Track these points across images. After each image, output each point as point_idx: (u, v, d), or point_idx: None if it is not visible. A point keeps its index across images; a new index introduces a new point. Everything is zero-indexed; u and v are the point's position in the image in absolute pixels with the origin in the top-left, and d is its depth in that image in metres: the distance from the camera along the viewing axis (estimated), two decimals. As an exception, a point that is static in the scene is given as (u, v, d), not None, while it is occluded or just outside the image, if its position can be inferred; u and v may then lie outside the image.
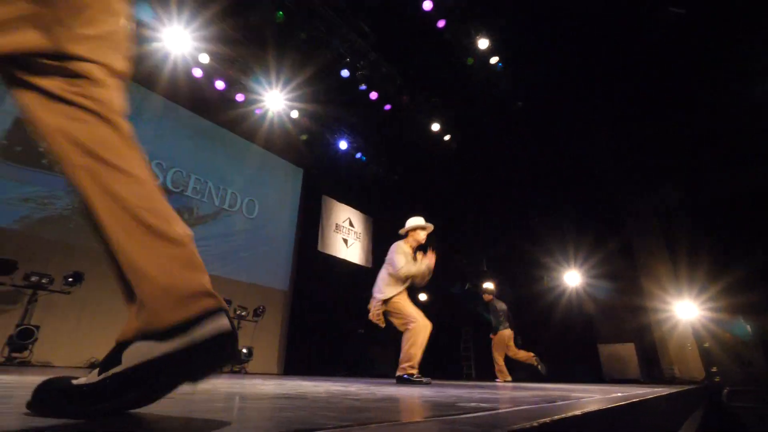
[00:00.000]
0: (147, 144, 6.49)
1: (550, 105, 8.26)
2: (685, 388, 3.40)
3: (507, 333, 5.98)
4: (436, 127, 8.86)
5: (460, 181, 10.34)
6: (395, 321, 3.39)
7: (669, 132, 7.61)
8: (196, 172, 7.10)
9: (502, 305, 6.15)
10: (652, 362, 7.37)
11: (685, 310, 7.22)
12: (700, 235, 7.26)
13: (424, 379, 3.04)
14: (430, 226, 3.73)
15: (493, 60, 7.48)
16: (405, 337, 3.25)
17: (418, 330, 3.21)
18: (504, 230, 10.07)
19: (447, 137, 9.19)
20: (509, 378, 5.91)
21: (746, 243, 6.64)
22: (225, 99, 7.50)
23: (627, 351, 7.47)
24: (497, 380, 5.91)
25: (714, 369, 6.51)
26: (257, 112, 7.85)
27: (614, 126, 8.33)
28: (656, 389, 2.58)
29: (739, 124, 6.78)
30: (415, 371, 3.09)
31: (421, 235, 3.63)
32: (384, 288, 3.48)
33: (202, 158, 7.25)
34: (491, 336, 6.11)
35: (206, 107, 7.38)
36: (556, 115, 8.41)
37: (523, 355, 5.88)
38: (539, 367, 5.78)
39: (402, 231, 3.71)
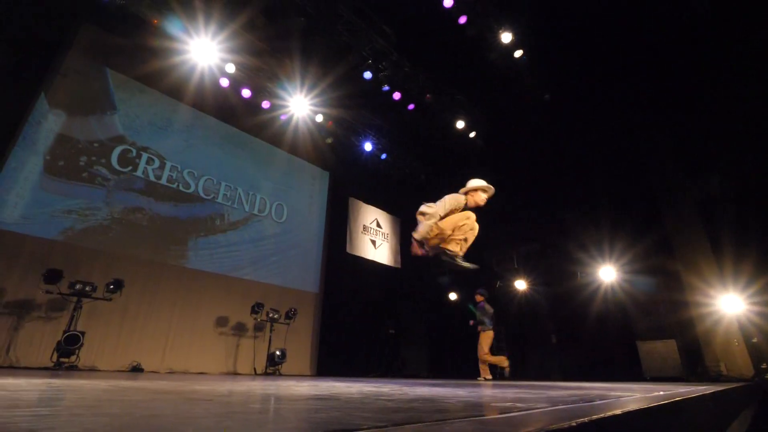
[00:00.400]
0: (178, 154, 6.76)
1: (580, 95, 8.00)
2: (733, 386, 3.21)
3: (492, 334, 6.40)
4: (460, 124, 8.77)
5: (488, 177, 10.18)
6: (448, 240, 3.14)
7: (711, 117, 7.22)
8: (226, 179, 7.32)
9: (491, 308, 6.57)
10: (696, 359, 7.00)
11: (731, 304, 6.82)
12: (745, 225, 6.85)
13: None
14: (492, 189, 3.44)
15: (517, 54, 7.33)
16: None
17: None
18: (536, 226, 9.84)
19: (472, 134, 9.08)
20: (490, 377, 6.22)
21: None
22: (251, 106, 7.70)
23: (668, 348, 7.14)
24: (480, 378, 6.22)
25: (764, 365, 6.12)
26: (283, 117, 8.01)
27: (652, 113, 7.98)
28: (701, 387, 2.46)
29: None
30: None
31: (482, 197, 3.34)
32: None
33: (231, 165, 7.47)
34: (480, 330, 6.40)
35: (233, 115, 7.60)
36: (587, 104, 8.13)
37: (497, 358, 6.28)
38: (506, 370, 6.13)
39: (462, 191, 3.37)
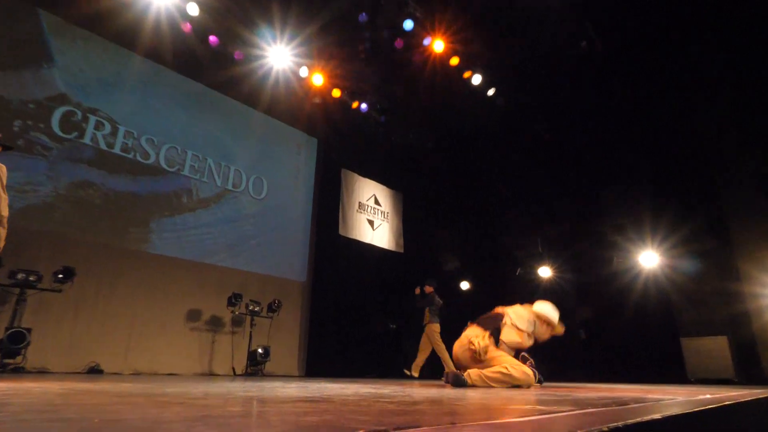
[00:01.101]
0: (134, 117, 6.68)
1: (625, 44, 7.83)
2: (794, 389, 3.29)
3: (438, 327, 6.90)
4: (477, 79, 8.62)
5: (509, 145, 10.11)
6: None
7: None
8: (194, 148, 7.28)
9: (440, 301, 7.06)
10: (751, 359, 7.13)
11: (795, 294, 6.91)
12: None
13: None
14: (559, 330, 3.82)
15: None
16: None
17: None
18: (564, 204, 9.83)
19: (491, 92, 8.94)
20: (416, 375, 6.79)
21: None
22: (221, 58, 7.56)
23: (718, 345, 7.25)
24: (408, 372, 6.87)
25: (832, 366, 6.24)
26: (260, 71, 7.88)
27: (709, 71, 7.84)
28: (756, 391, 2.52)
29: None
30: None
31: (545, 333, 3.71)
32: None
33: (199, 131, 7.41)
34: (428, 324, 6.90)
35: (200, 69, 7.48)
36: (632, 57, 7.97)
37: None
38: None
39: (532, 313, 3.78)
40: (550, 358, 9.55)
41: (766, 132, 7.64)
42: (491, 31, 8.04)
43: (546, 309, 3.76)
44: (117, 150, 6.42)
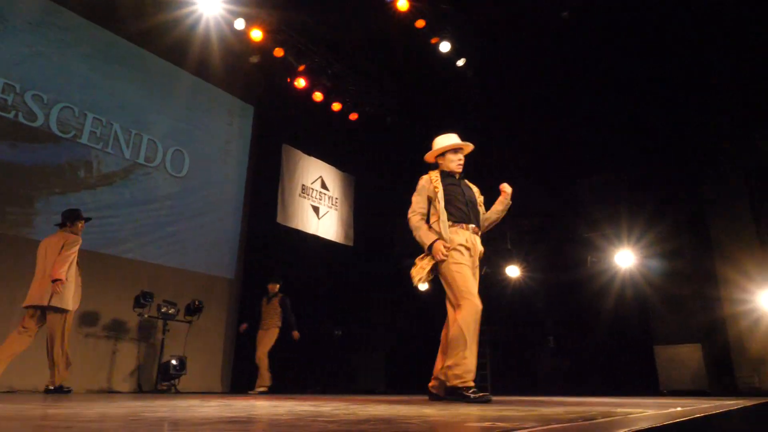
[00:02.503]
0: (17, 67, 6.25)
1: (609, 19, 8.12)
2: (766, 401, 3.59)
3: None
4: (446, 47, 8.69)
5: (478, 124, 10.28)
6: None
7: None
8: (96, 110, 6.93)
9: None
10: (725, 369, 7.71)
11: (773, 300, 7.51)
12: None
13: (481, 395, 3.01)
14: (466, 146, 3.68)
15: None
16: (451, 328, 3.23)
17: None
18: (536, 196, 10.16)
19: (461, 62, 9.05)
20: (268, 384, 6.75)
21: None
22: (136, 1, 7.24)
23: (691, 354, 7.79)
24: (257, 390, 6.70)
25: (808, 378, 6.85)
26: (185, 21, 7.58)
27: (694, 64, 8.28)
28: (728, 402, 2.73)
29: None
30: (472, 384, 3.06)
31: (454, 161, 3.58)
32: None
33: (103, 89, 7.05)
34: (272, 327, 6.92)
35: (108, 13, 7.10)
36: (615, 34, 8.27)
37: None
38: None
39: (428, 157, 3.70)
40: (518, 370, 9.94)
41: (750, 126, 8.20)
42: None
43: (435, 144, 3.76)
44: (-6, 108, 6.01)
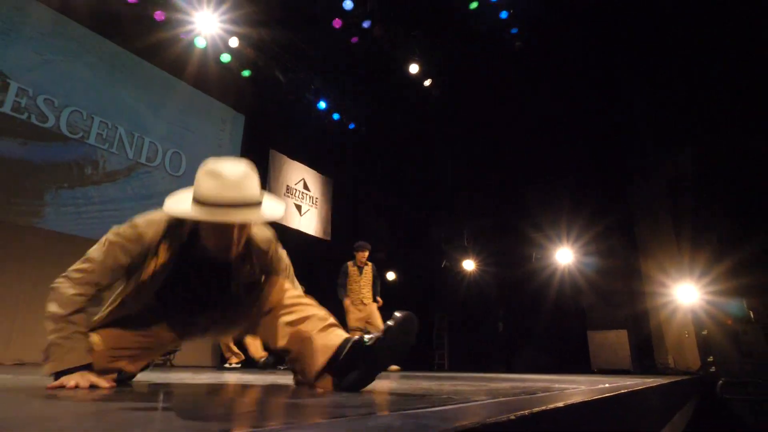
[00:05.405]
0: (30, 72, 6.02)
1: (554, 49, 8.31)
2: (678, 379, 3.72)
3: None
4: (414, 68, 8.73)
5: (441, 137, 10.37)
6: None
7: (691, 89, 7.87)
8: (102, 114, 6.70)
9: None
10: (646, 351, 7.97)
11: (686, 294, 7.78)
12: (708, 209, 7.73)
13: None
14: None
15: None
16: None
17: None
18: (490, 199, 10.30)
19: (427, 82, 9.11)
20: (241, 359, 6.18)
21: (758, 218, 7.14)
22: (139, 17, 7.01)
23: (619, 339, 8.03)
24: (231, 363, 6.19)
25: (710, 359, 7.13)
26: (183, 37, 7.41)
27: (628, 79, 8.53)
28: (647, 380, 2.81)
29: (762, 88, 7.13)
30: None
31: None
32: None
33: (109, 96, 6.83)
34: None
35: (114, 26, 6.87)
36: (560, 61, 8.48)
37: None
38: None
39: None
40: (471, 350, 10.05)
41: (670, 144, 8.49)
42: (431, 23, 8.19)
43: None
44: (7, 109, 5.75)
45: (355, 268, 6.37)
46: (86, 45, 6.68)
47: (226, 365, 6.26)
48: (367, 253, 6.39)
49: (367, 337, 1.50)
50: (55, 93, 6.22)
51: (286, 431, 0.58)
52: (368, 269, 6.36)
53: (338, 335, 1.61)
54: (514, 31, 8.02)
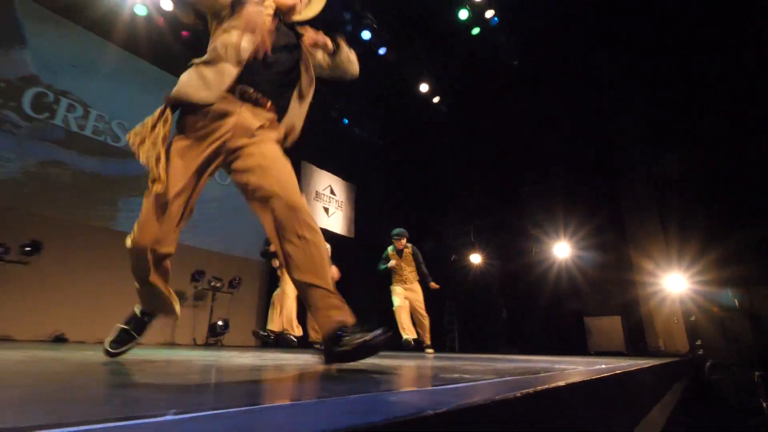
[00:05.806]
0: (105, 101, 6.24)
1: (547, 64, 8.19)
2: (668, 360, 3.59)
3: None
4: (424, 88, 8.70)
5: (450, 147, 10.30)
6: None
7: (676, 95, 7.63)
8: (164, 133, 6.89)
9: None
10: (638, 336, 7.75)
11: (675, 283, 7.53)
12: (693, 206, 7.47)
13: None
14: None
15: (489, 14, 7.29)
16: None
17: None
18: (494, 199, 10.17)
19: (436, 99, 9.06)
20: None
21: (740, 214, 6.87)
22: (194, 50, 7.14)
23: (613, 324, 7.82)
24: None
25: (698, 342, 6.88)
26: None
27: (616, 88, 8.34)
28: (640, 362, 2.73)
29: (747, 92, 6.85)
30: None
31: None
32: None
33: (169, 118, 7.02)
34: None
35: (172, 60, 7.01)
36: (552, 75, 8.35)
37: None
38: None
39: None
40: (478, 335, 9.93)
41: (660, 142, 8.23)
42: (438, 51, 8.16)
43: None
44: (88, 132, 5.97)
45: (394, 252, 6.20)
46: (149, 76, 6.88)
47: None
48: (404, 241, 6.15)
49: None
50: (124, 117, 6.43)
51: (317, 405, 0.58)
52: (408, 252, 6.14)
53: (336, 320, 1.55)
54: (495, 21, 7.43)
